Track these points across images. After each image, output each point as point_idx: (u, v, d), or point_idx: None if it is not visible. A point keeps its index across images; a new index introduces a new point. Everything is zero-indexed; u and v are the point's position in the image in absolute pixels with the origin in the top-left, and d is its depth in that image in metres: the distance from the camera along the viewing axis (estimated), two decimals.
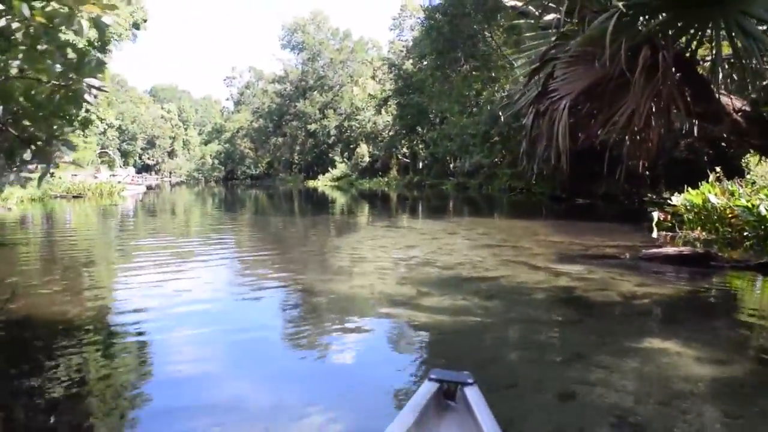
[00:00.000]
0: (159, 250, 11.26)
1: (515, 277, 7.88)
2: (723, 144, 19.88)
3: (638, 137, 4.72)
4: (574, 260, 9.19)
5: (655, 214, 14.28)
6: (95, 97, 4.21)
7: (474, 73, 39.72)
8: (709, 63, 4.89)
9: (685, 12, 4.20)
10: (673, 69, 4.18)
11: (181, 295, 6.79)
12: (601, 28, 3.99)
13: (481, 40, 37.81)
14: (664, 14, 4.34)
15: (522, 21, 6.16)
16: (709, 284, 7.95)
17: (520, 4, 5.50)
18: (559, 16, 4.74)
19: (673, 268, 8.56)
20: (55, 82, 3.97)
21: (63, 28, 3.78)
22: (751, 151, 13.60)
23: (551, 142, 4.39)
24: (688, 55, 4.46)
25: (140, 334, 5.36)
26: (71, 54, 4.15)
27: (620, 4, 4.01)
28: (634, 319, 5.94)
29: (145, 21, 39.51)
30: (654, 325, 5.82)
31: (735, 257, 9.41)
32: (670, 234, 12.83)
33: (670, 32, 4.28)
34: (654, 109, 4.40)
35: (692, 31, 4.33)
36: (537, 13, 5.47)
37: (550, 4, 5.07)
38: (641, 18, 4.36)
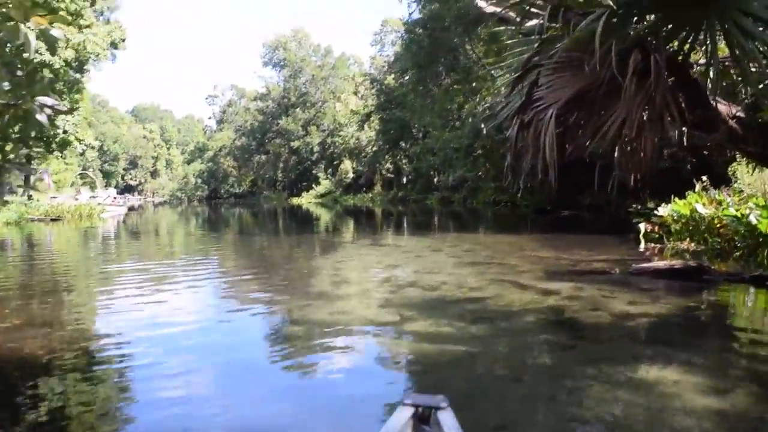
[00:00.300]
0: (136, 274, 10.76)
1: (502, 297, 7.51)
2: (705, 152, 19.79)
3: (630, 147, 4.39)
4: (563, 277, 8.84)
5: (642, 226, 14.00)
6: (49, 117, 3.87)
7: (455, 86, 39.62)
8: (701, 68, 4.61)
9: (676, 12, 3.90)
10: (666, 74, 3.87)
11: (159, 321, 6.60)
12: (589, 29, 3.66)
13: (461, 53, 37.72)
14: (654, 15, 4.04)
15: (502, 28, 5.86)
16: (704, 300, 7.64)
17: (499, 9, 5.18)
18: (541, 22, 4.42)
19: (665, 283, 8.25)
20: (2, 102, 3.63)
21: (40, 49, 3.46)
22: (738, 159, 13.43)
23: (537, 154, 4.05)
24: (680, 58, 4.16)
25: (120, 357, 5.24)
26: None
27: (609, 1, 3.70)
28: (627, 343, 5.55)
29: (123, 40, 39.04)
30: (649, 349, 5.41)
31: (727, 269, 9.15)
32: (658, 245, 12.59)
33: (662, 34, 3.98)
34: (646, 117, 4.08)
35: (685, 32, 4.03)
36: (518, 19, 5.17)
37: (533, 9, 4.76)
38: (631, 19, 4.06)
